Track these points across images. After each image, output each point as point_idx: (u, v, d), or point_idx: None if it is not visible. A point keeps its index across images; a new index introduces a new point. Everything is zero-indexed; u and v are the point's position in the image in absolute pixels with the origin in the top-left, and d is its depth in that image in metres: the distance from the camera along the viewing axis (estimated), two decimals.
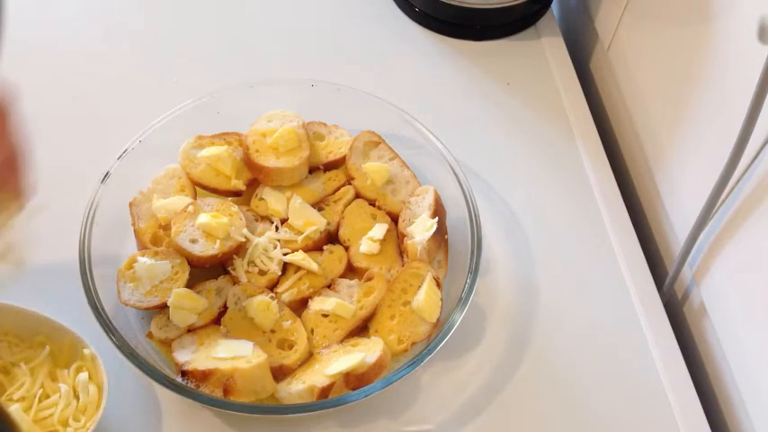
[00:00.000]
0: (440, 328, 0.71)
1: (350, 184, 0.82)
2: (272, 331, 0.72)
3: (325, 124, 0.85)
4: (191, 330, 0.72)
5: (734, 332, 0.74)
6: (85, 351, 0.66)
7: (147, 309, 0.73)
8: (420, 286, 0.74)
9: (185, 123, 0.82)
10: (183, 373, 0.67)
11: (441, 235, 0.78)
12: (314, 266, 0.75)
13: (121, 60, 0.97)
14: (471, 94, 0.97)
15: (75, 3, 1.02)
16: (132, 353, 0.67)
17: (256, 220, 0.79)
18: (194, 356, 0.69)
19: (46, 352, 0.68)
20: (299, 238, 0.77)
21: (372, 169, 0.81)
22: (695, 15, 0.77)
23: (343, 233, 0.79)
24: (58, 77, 0.94)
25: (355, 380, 0.68)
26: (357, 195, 0.82)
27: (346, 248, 0.78)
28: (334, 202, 0.81)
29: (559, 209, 0.87)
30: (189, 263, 0.74)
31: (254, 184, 0.81)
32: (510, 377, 0.75)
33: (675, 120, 0.82)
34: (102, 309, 0.69)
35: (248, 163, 0.80)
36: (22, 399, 0.66)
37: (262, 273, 0.75)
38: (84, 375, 0.66)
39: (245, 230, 0.76)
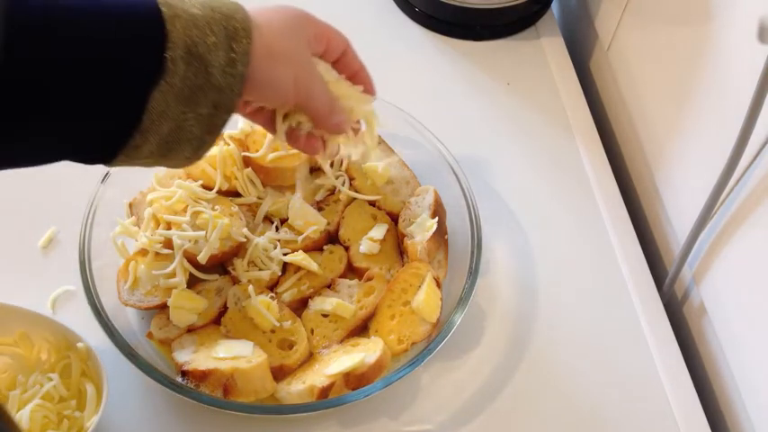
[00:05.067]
0: (440, 328, 0.71)
1: (350, 184, 0.82)
2: (272, 331, 0.72)
3: None
4: (191, 330, 0.72)
5: (734, 332, 0.74)
6: (79, 345, 0.66)
7: (147, 309, 0.73)
8: (420, 286, 0.74)
9: None
10: (183, 373, 0.67)
11: (441, 235, 0.78)
12: (314, 266, 0.75)
13: None
14: (471, 94, 0.97)
15: None
16: (132, 353, 0.67)
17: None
18: (194, 356, 0.68)
19: (46, 357, 0.68)
20: (300, 239, 0.77)
21: (372, 169, 0.81)
22: (695, 15, 0.77)
23: (343, 233, 0.79)
24: None
25: (355, 380, 0.68)
26: None
27: (346, 248, 0.78)
28: (335, 202, 0.81)
29: (559, 209, 0.87)
30: (189, 263, 0.74)
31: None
32: (510, 377, 0.75)
33: (675, 120, 0.82)
34: (102, 309, 0.69)
35: (248, 163, 0.80)
36: (23, 400, 0.66)
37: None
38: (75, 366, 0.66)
39: (245, 230, 0.76)
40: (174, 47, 0.50)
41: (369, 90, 0.68)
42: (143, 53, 0.49)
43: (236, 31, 0.53)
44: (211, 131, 0.54)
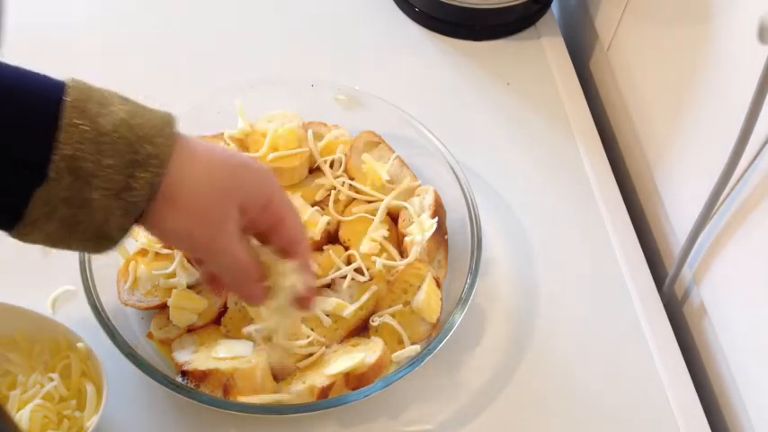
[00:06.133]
0: (440, 328, 0.71)
1: (350, 184, 0.82)
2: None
3: (325, 124, 0.85)
4: (191, 330, 0.72)
5: (734, 332, 0.74)
6: (79, 345, 0.66)
7: (147, 309, 0.73)
8: (420, 286, 0.74)
9: (185, 123, 0.81)
10: (183, 373, 0.67)
11: (441, 235, 0.78)
12: (314, 266, 0.75)
13: (121, 61, 0.96)
14: (471, 94, 0.97)
15: (72, 3, 1.02)
16: (132, 353, 0.67)
17: None
18: (194, 356, 0.69)
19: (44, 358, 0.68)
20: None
21: (372, 169, 0.81)
22: (695, 15, 0.77)
23: (343, 233, 0.79)
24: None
25: (355, 380, 0.68)
26: None
27: (346, 248, 0.78)
28: (335, 202, 0.81)
29: (559, 209, 0.87)
30: (189, 263, 0.74)
31: None
32: (510, 377, 0.75)
33: (675, 120, 0.82)
34: (102, 309, 0.69)
35: None
36: (23, 400, 0.66)
37: None
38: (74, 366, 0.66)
39: None
40: (59, 158, 0.46)
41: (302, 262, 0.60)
42: (28, 153, 0.46)
43: (147, 158, 0.49)
44: (108, 238, 0.50)
